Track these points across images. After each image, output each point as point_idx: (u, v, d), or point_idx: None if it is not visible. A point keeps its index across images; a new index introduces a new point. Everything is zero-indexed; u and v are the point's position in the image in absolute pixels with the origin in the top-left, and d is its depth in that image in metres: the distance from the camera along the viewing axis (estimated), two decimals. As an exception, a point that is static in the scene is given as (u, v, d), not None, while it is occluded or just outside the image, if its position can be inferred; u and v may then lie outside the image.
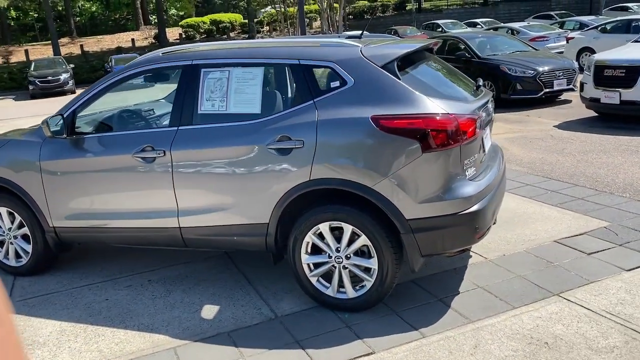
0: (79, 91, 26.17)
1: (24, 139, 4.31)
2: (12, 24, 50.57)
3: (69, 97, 24.01)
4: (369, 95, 3.29)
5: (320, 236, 3.42)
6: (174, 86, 3.91)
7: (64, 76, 25.16)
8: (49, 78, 24.82)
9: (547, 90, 10.84)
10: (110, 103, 4.56)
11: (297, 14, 17.57)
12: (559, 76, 10.89)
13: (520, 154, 7.22)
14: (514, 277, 3.77)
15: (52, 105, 20.05)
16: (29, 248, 4.33)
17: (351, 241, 3.35)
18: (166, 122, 3.98)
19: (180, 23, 42.71)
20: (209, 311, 3.65)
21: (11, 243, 4.40)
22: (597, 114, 9.25)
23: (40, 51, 37.10)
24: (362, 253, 3.37)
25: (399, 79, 3.27)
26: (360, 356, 3.01)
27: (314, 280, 3.50)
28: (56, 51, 34.12)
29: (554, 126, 8.93)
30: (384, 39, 4.71)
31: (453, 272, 3.92)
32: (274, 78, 4.00)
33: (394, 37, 4.77)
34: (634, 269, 3.76)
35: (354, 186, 3.24)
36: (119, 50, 35.41)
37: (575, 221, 4.69)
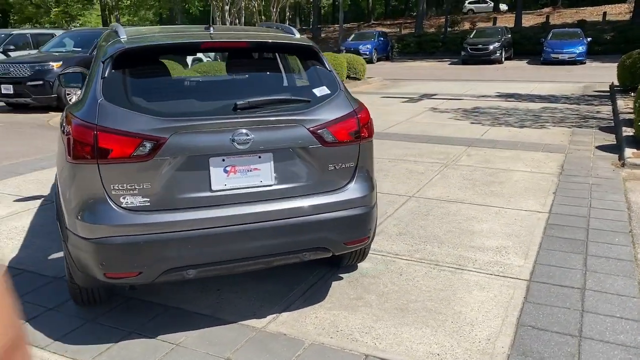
0: (507, 63, 25.18)
1: None
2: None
3: (494, 66, 24.42)
4: (85, 89, 3.21)
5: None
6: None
7: (493, 46, 25.90)
8: (479, 46, 26.10)
9: None
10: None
11: None
12: None
13: None
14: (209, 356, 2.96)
15: (473, 72, 20.51)
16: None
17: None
18: None
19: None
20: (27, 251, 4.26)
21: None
22: None
23: (507, 20, 38.04)
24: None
25: (102, 78, 2.99)
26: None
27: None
28: (517, 21, 34.77)
29: None
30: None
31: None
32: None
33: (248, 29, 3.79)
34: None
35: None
36: (580, 24, 33.10)
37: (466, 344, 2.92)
